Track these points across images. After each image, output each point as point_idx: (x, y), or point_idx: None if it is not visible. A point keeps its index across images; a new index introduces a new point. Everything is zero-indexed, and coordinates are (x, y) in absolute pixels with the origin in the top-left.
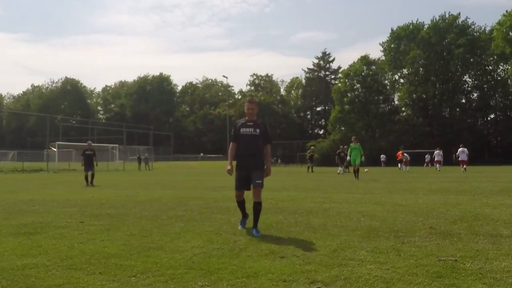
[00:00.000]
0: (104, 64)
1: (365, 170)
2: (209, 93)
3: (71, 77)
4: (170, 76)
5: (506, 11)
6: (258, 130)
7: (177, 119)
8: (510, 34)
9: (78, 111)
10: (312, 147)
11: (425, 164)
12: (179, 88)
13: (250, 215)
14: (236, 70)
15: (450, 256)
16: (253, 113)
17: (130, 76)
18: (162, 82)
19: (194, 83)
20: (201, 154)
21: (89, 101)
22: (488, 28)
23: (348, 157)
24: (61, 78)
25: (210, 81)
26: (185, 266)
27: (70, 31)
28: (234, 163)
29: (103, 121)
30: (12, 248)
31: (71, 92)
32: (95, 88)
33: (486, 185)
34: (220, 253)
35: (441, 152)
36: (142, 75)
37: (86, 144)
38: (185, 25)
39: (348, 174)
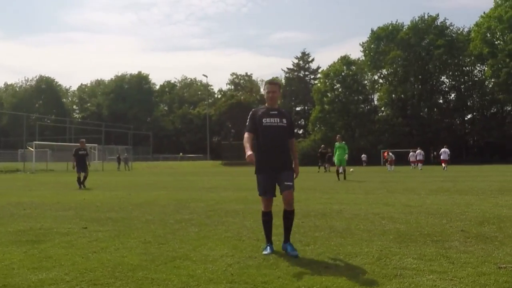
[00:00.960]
0: (79, 62)
1: (351, 169)
2: (188, 92)
3: (46, 76)
4: (149, 75)
5: (484, 12)
6: (284, 121)
7: (155, 119)
8: (488, 35)
9: (53, 110)
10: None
11: (412, 164)
12: (157, 87)
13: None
14: (215, 69)
15: (507, 262)
16: (275, 98)
17: (107, 75)
18: (140, 81)
19: (172, 82)
20: (181, 154)
21: (64, 100)
22: (466, 30)
23: (334, 157)
24: (36, 77)
25: (189, 80)
26: (225, 279)
27: (44, 28)
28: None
29: (79, 120)
30: (20, 260)
31: (45, 90)
32: (70, 86)
33: (483, 185)
34: (257, 263)
35: (422, 152)
36: (119, 74)
37: (69, 144)
38: (162, 23)
39: (329, 173)
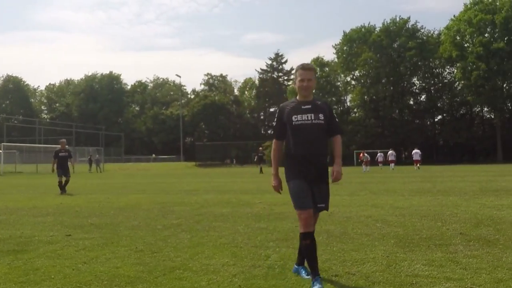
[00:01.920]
0: (48, 61)
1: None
2: (161, 93)
3: (13, 75)
4: (120, 75)
5: (454, 15)
6: (321, 116)
7: (127, 119)
8: (458, 38)
9: (21, 110)
10: (260, 148)
11: (379, 164)
12: (129, 87)
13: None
14: (187, 70)
15: None
16: (310, 88)
17: (76, 75)
18: (111, 81)
19: (144, 82)
20: (153, 155)
21: (32, 100)
22: (436, 32)
23: None
24: (2, 76)
25: (161, 80)
26: None
27: (11, 27)
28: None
29: (48, 120)
30: (6, 273)
31: (12, 90)
32: (38, 86)
33: (462, 185)
34: (262, 273)
35: (394, 152)
36: (89, 74)
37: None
38: (132, 23)
39: None
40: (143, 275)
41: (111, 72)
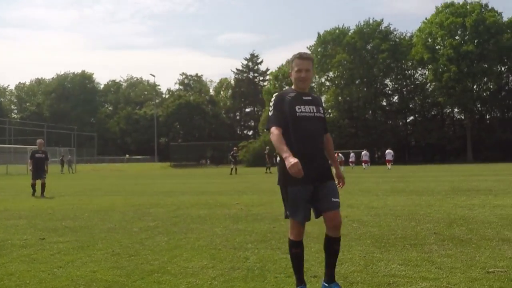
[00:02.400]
0: (18, 60)
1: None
2: (134, 92)
3: None
4: (93, 74)
5: (426, 18)
6: (321, 110)
7: (100, 119)
8: (429, 40)
9: None
10: (234, 148)
11: (351, 164)
12: (102, 86)
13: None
14: (162, 69)
15: (492, 266)
16: (308, 79)
17: (48, 74)
18: (83, 80)
19: (118, 81)
20: (127, 155)
21: (1, 99)
22: (408, 35)
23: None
24: None
25: (135, 79)
26: None
27: None
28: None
29: (18, 120)
30: None
31: None
32: (8, 85)
33: (434, 185)
34: (242, 275)
35: (368, 153)
36: (61, 73)
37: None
38: (106, 21)
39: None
40: (121, 279)
41: (83, 71)
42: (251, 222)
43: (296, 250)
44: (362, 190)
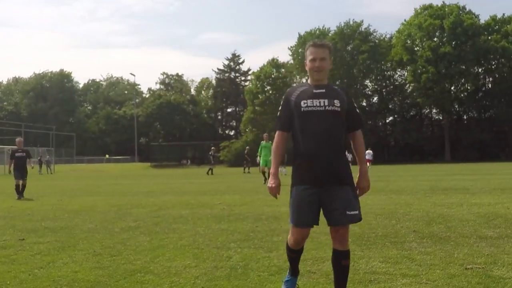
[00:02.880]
0: None
1: (283, 170)
2: (114, 92)
3: None
4: (71, 73)
5: (405, 20)
6: (337, 103)
7: (79, 119)
8: (408, 42)
9: None
10: (212, 148)
11: None
12: (81, 85)
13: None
14: (142, 68)
15: (470, 263)
16: (323, 69)
17: (25, 73)
18: (62, 79)
19: (97, 80)
20: (107, 156)
21: None
22: (388, 36)
23: (258, 158)
24: None
25: (115, 78)
26: None
27: None
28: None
29: None
30: None
31: None
32: None
33: (413, 184)
34: (225, 274)
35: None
36: (40, 71)
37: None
38: (85, 20)
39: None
40: (103, 279)
41: (61, 70)
42: (234, 222)
43: (293, 255)
44: None
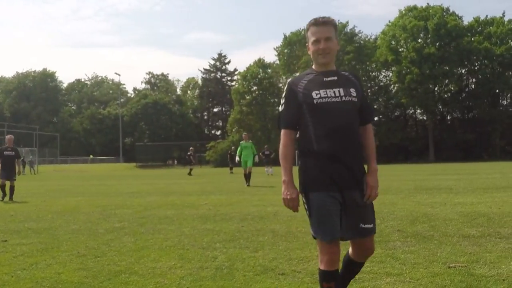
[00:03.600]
0: None
1: (269, 170)
2: (99, 91)
3: None
4: (55, 72)
5: (390, 21)
6: (353, 92)
7: (63, 119)
8: (393, 43)
9: None
10: (191, 148)
11: None
12: (65, 85)
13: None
14: (127, 68)
15: (454, 262)
16: (330, 52)
17: (7, 72)
18: (45, 79)
19: (82, 80)
20: (91, 156)
21: None
22: (373, 37)
23: (237, 158)
24: None
25: (100, 78)
26: None
27: None
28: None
29: None
30: None
31: None
32: None
33: (397, 184)
34: (210, 274)
35: None
36: (23, 71)
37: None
38: (68, 18)
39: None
40: (87, 280)
41: (44, 69)
42: (219, 222)
43: (329, 285)
44: None
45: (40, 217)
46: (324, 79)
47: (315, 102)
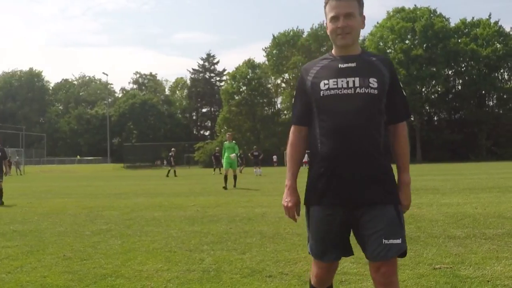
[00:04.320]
0: None
1: (258, 171)
2: (86, 91)
3: None
4: (42, 72)
5: (378, 22)
6: (373, 82)
7: (49, 119)
8: (381, 44)
9: None
10: (173, 149)
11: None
12: (52, 85)
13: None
14: (115, 68)
15: (439, 263)
16: (352, 31)
17: None
18: (32, 79)
19: (70, 80)
20: (78, 156)
21: None
22: (361, 38)
23: (222, 160)
24: None
25: (87, 78)
26: None
27: None
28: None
29: None
30: None
31: None
32: None
33: None
34: (197, 277)
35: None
36: (8, 70)
37: None
38: (56, 18)
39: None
40: (72, 283)
41: (31, 69)
42: (207, 224)
43: None
44: None
45: (25, 219)
46: (340, 65)
47: (321, 94)
